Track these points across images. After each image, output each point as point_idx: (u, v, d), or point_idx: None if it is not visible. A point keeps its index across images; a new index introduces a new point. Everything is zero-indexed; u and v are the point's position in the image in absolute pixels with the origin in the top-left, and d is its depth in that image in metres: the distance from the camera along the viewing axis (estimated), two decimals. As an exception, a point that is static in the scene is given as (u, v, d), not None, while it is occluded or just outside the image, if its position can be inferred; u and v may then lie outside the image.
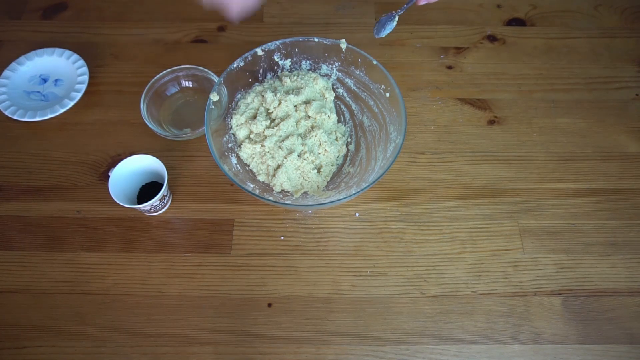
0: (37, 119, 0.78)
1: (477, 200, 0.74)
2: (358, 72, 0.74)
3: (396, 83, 0.68)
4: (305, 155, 0.70)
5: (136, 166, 0.70)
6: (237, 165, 0.72)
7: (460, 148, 0.78)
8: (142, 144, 0.78)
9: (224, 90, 0.72)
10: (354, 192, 0.63)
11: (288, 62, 0.77)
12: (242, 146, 0.72)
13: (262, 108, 0.73)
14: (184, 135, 0.76)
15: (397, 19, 0.65)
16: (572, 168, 0.77)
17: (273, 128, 0.71)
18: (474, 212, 0.73)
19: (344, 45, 0.72)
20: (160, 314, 0.66)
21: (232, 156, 0.72)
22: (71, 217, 0.72)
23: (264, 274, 0.69)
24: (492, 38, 0.89)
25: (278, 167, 0.70)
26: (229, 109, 0.74)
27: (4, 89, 0.81)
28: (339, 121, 0.77)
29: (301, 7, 0.93)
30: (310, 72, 0.77)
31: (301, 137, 0.72)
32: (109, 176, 0.68)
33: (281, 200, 0.69)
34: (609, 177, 0.76)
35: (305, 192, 0.71)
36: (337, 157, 0.74)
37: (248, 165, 0.73)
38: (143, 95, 0.77)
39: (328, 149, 0.72)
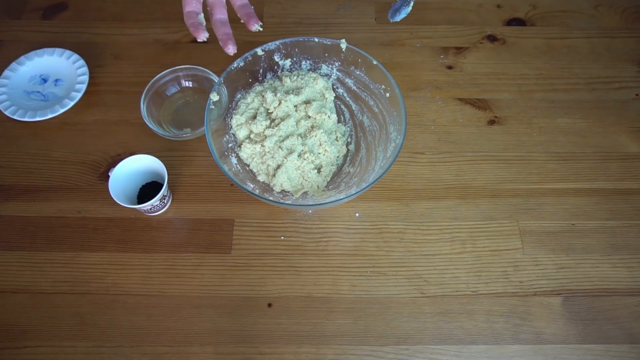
0: (37, 119, 0.78)
1: (477, 200, 0.74)
2: (358, 72, 0.74)
3: (396, 83, 0.68)
4: (305, 155, 0.70)
5: (136, 166, 0.70)
6: (237, 165, 0.72)
7: (460, 148, 0.78)
8: (142, 144, 0.78)
9: (224, 90, 0.71)
10: (354, 192, 0.63)
11: (288, 62, 0.77)
12: (242, 146, 0.72)
13: (262, 108, 0.73)
14: (184, 135, 0.76)
15: (412, 3, 0.64)
16: (572, 168, 0.77)
17: (273, 128, 0.71)
18: (474, 212, 0.73)
19: (344, 45, 0.72)
20: (160, 314, 0.66)
21: (232, 156, 0.72)
22: (71, 217, 0.72)
23: (264, 274, 0.69)
24: (492, 38, 0.89)
25: (278, 167, 0.70)
26: (229, 109, 0.74)
27: (4, 89, 0.81)
28: (339, 121, 0.77)
29: (301, 7, 0.93)
30: (310, 72, 0.77)
31: (301, 137, 0.72)
32: (109, 176, 0.68)
33: (281, 200, 0.69)
34: (609, 177, 0.76)
35: (305, 192, 0.71)
36: (337, 157, 0.74)
37: (248, 165, 0.73)
38: (143, 95, 0.77)
39: (328, 149, 0.72)
